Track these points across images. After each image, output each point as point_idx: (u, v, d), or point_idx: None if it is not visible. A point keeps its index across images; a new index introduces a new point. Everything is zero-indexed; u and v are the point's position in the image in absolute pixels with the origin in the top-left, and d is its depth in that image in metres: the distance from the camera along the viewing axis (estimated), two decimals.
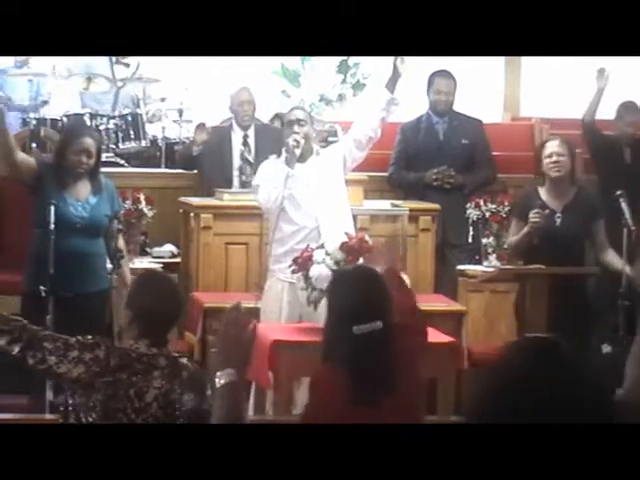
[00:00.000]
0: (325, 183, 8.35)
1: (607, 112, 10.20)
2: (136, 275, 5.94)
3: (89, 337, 5.35)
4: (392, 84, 8.10)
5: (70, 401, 5.22)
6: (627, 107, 10.04)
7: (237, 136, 10.25)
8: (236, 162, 10.03)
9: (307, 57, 13.30)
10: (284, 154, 8.27)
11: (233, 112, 10.42)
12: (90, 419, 5.11)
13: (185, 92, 12.37)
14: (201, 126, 10.62)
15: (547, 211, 8.26)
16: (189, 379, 5.21)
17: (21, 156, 8.27)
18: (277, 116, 10.86)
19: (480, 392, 3.24)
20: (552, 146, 8.50)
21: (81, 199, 8.05)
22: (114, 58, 12.36)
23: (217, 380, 3.58)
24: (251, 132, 9.99)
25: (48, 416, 6.49)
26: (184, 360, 5.33)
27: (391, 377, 5.00)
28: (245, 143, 10.08)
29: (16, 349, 4.88)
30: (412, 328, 5.44)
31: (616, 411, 3.27)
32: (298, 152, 8.18)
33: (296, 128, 8.27)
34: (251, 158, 9.64)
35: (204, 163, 10.35)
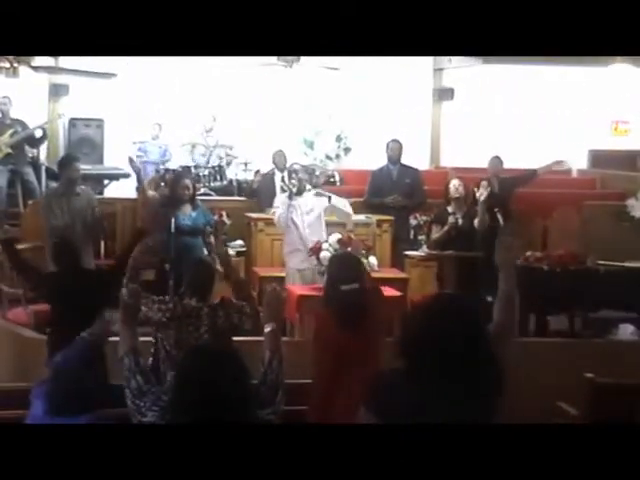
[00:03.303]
0: (313, 210, 8.39)
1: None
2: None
3: (165, 297, 5.43)
4: None
5: (158, 335, 5.27)
6: (493, 159, 9.87)
7: (278, 177, 10.27)
8: (278, 191, 9.92)
9: (320, 132, 13.38)
10: (287, 192, 8.41)
11: (275, 163, 10.48)
12: (169, 346, 5.15)
13: (250, 153, 12.44)
14: (257, 172, 10.76)
15: (456, 217, 8.28)
16: (224, 313, 5.29)
17: (150, 193, 8.37)
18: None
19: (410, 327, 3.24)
20: (454, 183, 8.49)
21: (186, 214, 8.02)
22: (205, 132, 12.37)
23: (265, 329, 3.60)
24: (285, 174, 9.84)
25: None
26: (219, 305, 5.36)
27: (363, 315, 4.95)
28: (282, 180, 9.98)
29: None
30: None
31: (489, 339, 3.26)
32: (295, 190, 8.28)
33: (293, 176, 8.41)
34: (285, 188, 9.49)
35: (261, 193, 10.35)
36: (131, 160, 8.29)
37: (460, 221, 8.32)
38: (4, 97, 11.03)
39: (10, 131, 10.80)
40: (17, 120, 10.99)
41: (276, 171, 10.37)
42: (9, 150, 10.75)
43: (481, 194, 8.24)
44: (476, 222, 8.19)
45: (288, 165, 9.62)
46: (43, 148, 11.73)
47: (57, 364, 4.40)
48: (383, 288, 7.46)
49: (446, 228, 8.31)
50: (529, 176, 9.79)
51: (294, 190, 8.26)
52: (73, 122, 12.74)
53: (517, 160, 9.92)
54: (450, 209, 8.40)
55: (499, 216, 8.72)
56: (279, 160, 10.44)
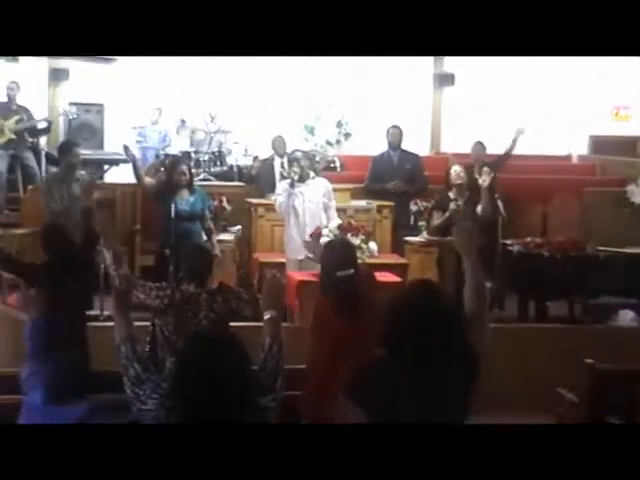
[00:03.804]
0: (315, 198, 8.27)
1: None
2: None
3: (163, 283, 5.40)
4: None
5: (156, 321, 5.24)
6: (476, 145, 9.83)
7: (277, 162, 10.18)
8: (277, 177, 9.88)
9: (319, 119, 13.34)
10: (289, 179, 8.27)
11: (274, 149, 10.37)
12: (167, 333, 5.13)
13: (250, 139, 12.39)
14: (256, 158, 10.70)
15: (458, 204, 8.22)
16: (222, 299, 5.25)
17: (147, 180, 8.31)
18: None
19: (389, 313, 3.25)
20: (456, 169, 8.41)
21: (184, 199, 7.94)
22: (209, 118, 12.33)
23: (265, 316, 3.58)
24: (285, 160, 9.81)
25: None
26: (217, 290, 5.33)
27: (359, 300, 4.91)
28: (282, 166, 9.93)
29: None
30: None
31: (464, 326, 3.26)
32: (296, 178, 8.16)
33: (295, 164, 8.27)
34: (285, 174, 9.43)
35: (260, 179, 10.31)
36: (126, 148, 8.21)
37: (461, 207, 8.28)
38: (12, 82, 10.97)
39: (16, 117, 10.75)
40: (23, 107, 10.94)
41: (275, 157, 10.33)
42: (12, 136, 10.71)
43: (484, 180, 8.17)
44: (479, 208, 8.13)
45: (289, 151, 9.56)
46: None
47: (29, 350, 4.48)
48: (383, 274, 7.51)
49: (447, 214, 8.24)
50: (504, 158, 9.73)
51: (296, 178, 8.17)
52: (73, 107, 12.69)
53: (518, 146, 9.85)
54: (451, 195, 8.35)
55: (499, 202, 8.69)
56: (278, 146, 10.39)
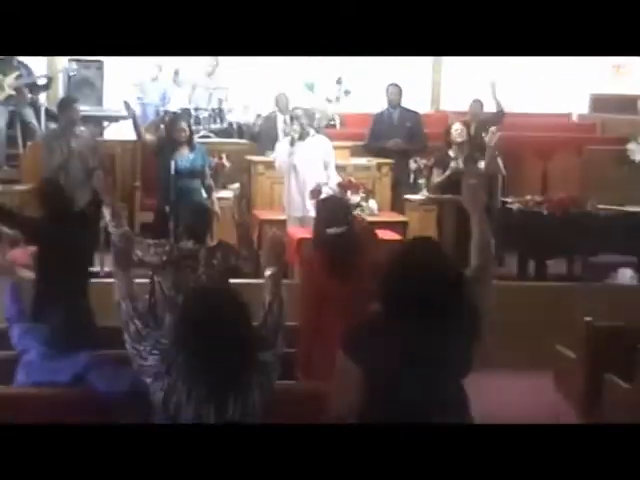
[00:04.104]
0: (315, 155, 8.22)
1: None
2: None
3: (162, 240, 5.39)
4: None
5: (155, 278, 5.23)
6: (474, 102, 9.81)
7: (280, 119, 10.12)
8: (280, 134, 9.82)
9: (320, 75, 13.23)
10: (289, 137, 8.20)
11: (278, 105, 10.30)
12: (166, 289, 5.12)
13: (249, 96, 12.30)
14: (259, 115, 10.61)
15: (458, 162, 8.16)
16: (221, 255, 5.21)
17: (147, 137, 8.29)
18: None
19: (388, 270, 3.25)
20: (457, 127, 8.33)
21: (184, 156, 7.91)
22: (206, 73, 12.23)
23: (265, 272, 3.57)
24: (287, 116, 9.75)
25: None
26: (216, 247, 5.32)
27: (350, 259, 4.82)
28: (285, 122, 9.86)
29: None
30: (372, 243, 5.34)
31: (465, 282, 3.24)
32: (297, 136, 8.11)
33: (295, 122, 8.22)
34: (288, 131, 9.38)
35: (262, 136, 10.27)
36: (127, 105, 8.15)
37: (461, 165, 8.23)
38: None
39: (16, 73, 10.68)
40: (23, 64, 10.86)
41: (278, 114, 10.28)
42: (12, 92, 10.64)
43: (491, 139, 8.15)
44: (482, 165, 8.10)
45: (290, 108, 9.51)
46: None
47: (19, 310, 4.55)
48: (383, 232, 7.48)
49: (448, 173, 8.17)
50: (498, 116, 9.67)
51: (296, 136, 8.13)
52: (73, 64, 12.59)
53: (518, 104, 9.81)
54: (452, 153, 8.27)
55: (499, 160, 8.65)
56: (282, 102, 10.34)
